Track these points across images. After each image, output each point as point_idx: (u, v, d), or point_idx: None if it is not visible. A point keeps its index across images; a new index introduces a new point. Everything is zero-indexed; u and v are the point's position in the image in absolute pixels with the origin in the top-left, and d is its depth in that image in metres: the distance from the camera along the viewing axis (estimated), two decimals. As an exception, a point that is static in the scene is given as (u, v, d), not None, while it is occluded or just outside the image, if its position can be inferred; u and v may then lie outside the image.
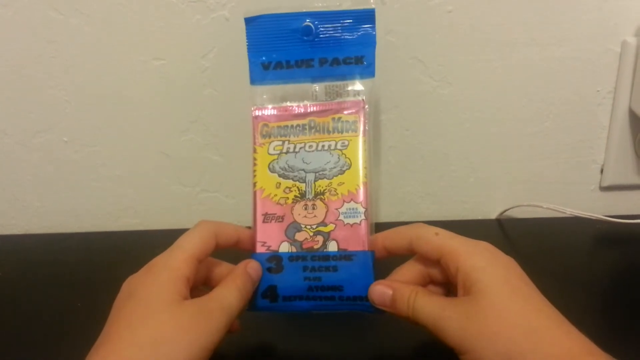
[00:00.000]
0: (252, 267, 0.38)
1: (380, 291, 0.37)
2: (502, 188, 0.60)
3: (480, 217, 0.61)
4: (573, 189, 0.60)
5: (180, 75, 0.54)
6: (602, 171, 0.59)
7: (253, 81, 0.45)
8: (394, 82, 0.54)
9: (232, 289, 0.36)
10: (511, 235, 0.59)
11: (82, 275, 0.54)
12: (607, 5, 0.51)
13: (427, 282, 0.39)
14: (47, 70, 0.54)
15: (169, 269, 0.35)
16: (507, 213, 0.61)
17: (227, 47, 0.52)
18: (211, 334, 0.33)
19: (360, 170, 0.42)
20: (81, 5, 0.51)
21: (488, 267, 0.35)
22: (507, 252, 0.36)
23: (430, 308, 0.35)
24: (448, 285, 0.38)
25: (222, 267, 0.40)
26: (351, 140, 0.43)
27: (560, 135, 0.57)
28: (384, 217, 0.60)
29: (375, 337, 0.45)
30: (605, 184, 0.59)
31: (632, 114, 0.55)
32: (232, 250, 0.40)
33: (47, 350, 0.45)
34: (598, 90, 0.55)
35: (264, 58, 0.44)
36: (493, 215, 0.61)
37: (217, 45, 0.52)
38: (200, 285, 0.40)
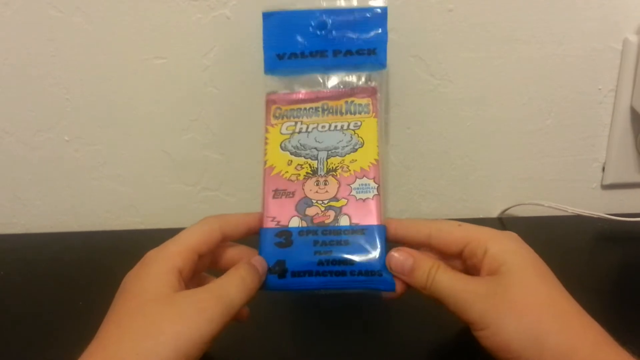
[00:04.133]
0: (256, 260, 0.37)
1: (401, 257, 0.37)
2: (503, 186, 0.60)
3: (481, 216, 0.61)
4: (574, 187, 0.60)
5: (181, 73, 0.54)
6: (603, 169, 0.59)
7: (267, 70, 0.45)
8: (395, 80, 0.54)
9: (232, 278, 0.35)
10: (512, 234, 0.59)
11: (84, 274, 0.54)
12: (609, 3, 0.51)
13: None
14: (48, 69, 0.53)
15: (159, 262, 0.35)
16: (508, 211, 0.60)
17: (228, 46, 0.52)
18: (202, 326, 0.31)
19: (373, 149, 0.42)
20: (82, 3, 0.51)
21: (518, 251, 0.35)
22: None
23: (453, 281, 0.35)
24: None
25: (232, 250, 0.40)
26: (364, 120, 0.43)
27: (561, 134, 0.57)
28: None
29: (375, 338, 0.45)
30: (607, 182, 0.59)
31: (633, 112, 0.55)
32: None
33: (48, 349, 0.45)
34: (599, 88, 0.55)
35: (278, 50, 0.45)
36: (494, 213, 0.61)
37: (218, 43, 0.52)
38: (207, 271, 0.39)
